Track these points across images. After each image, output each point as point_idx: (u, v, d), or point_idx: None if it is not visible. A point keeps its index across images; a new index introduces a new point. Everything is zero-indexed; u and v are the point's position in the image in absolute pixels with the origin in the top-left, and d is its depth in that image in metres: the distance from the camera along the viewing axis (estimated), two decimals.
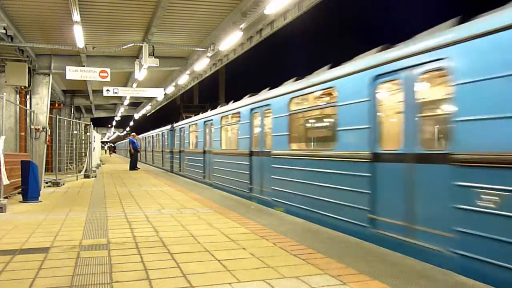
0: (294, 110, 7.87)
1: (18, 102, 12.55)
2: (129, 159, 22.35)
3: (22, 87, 12.41)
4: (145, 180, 14.27)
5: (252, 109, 9.79)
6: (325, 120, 7.96)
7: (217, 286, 3.38)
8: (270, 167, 8.55)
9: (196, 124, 15.78)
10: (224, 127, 12.46)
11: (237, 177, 10.62)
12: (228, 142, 12.64)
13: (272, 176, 8.44)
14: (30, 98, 12.84)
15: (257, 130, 9.78)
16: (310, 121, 8.37)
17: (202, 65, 12.95)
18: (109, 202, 8.58)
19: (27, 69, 12.07)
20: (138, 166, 21.30)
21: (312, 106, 7.60)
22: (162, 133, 24.30)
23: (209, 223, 6.15)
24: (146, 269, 3.84)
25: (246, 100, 10.46)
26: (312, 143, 8.28)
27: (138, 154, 23.25)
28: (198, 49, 12.24)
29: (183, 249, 4.61)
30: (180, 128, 18.98)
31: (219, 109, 13.05)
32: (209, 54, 11.75)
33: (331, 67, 6.97)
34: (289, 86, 8.10)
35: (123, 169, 21.63)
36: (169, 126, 21.60)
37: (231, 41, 10.24)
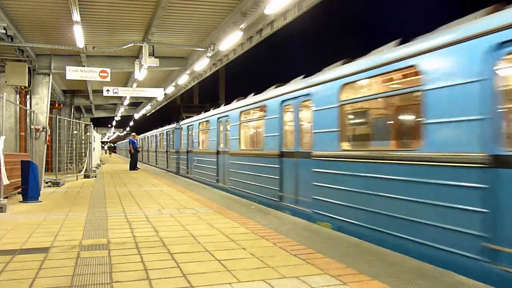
0: (348, 100, 6.22)
1: (18, 102, 12.56)
2: (129, 159, 22.33)
3: (22, 87, 12.42)
4: (145, 180, 14.27)
5: (283, 101, 8.24)
6: (400, 110, 6.23)
7: (217, 286, 3.38)
8: (310, 172, 7.00)
9: (207, 121, 14.10)
10: (244, 123, 10.86)
11: (263, 182, 9.02)
12: (249, 141, 11.19)
13: (314, 183, 6.89)
14: (30, 98, 12.85)
15: (289, 126, 8.24)
16: (374, 112, 6.60)
17: (202, 65, 12.96)
18: (109, 202, 8.58)
19: (27, 69, 12.08)
20: (138, 166, 21.29)
21: (379, 93, 5.85)
22: (167, 132, 22.74)
23: (209, 223, 6.15)
24: (146, 269, 3.84)
25: (274, 91, 8.88)
26: (377, 142, 6.58)
27: (138, 154, 23.25)
28: (198, 49, 12.24)
29: (183, 249, 4.61)
30: (187, 126, 17.30)
31: (237, 103, 11.38)
32: (209, 54, 11.76)
33: (401, 43, 5.43)
34: (339, 70, 6.49)
35: (123, 169, 21.63)
36: (175, 124, 20.32)
37: (231, 41, 10.25)
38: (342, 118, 6.31)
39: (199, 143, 15.54)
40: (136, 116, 34.93)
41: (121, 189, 11.15)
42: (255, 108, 9.90)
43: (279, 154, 8.33)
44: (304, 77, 7.92)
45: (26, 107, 12.59)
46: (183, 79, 15.78)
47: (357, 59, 6.24)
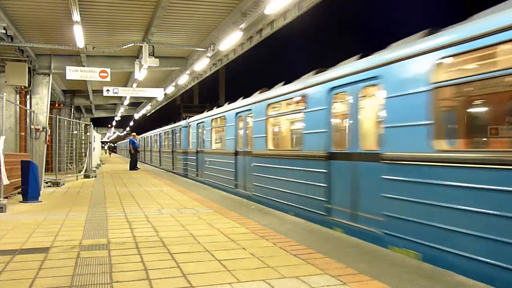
0: (450, 80, 4.49)
1: (18, 102, 12.56)
2: (129, 159, 22.32)
3: (22, 87, 12.42)
4: (145, 180, 14.27)
5: (332, 89, 6.53)
6: None
7: (217, 286, 3.38)
8: (378, 180, 5.32)
9: (222, 117, 12.42)
10: (272, 119, 9.20)
11: (301, 190, 7.35)
12: (280, 139, 9.65)
13: (384, 195, 5.20)
14: (30, 98, 12.85)
15: (342, 120, 6.76)
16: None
17: (202, 65, 12.96)
18: (109, 202, 8.58)
19: (27, 69, 12.09)
20: (138, 166, 21.30)
21: None
22: (172, 130, 20.89)
23: (209, 223, 6.15)
24: (146, 269, 3.84)
25: (317, 77, 7.17)
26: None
27: (138, 154, 23.24)
28: (198, 49, 12.25)
29: (183, 249, 4.61)
30: (197, 124, 15.49)
31: (261, 95, 9.67)
32: (209, 54, 11.77)
33: None
34: (432, 39, 4.68)
35: (123, 169, 21.63)
36: (182, 122, 18.71)
37: (231, 41, 10.25)
38: (437, 106, 4.57)
39: (212, 142, 13.68)
40: (136, 116, 34.94)
41: (121, 189, 11.15)
42: (289, 99, 8.17)
43: (326, 155, 6.60)
44: (361, 57, 6.22)
45: (26, 107, 12.59)
46: (183, 79, 15.79)
47: (450, 27, 4.60)
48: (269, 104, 8.97)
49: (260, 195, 9.17)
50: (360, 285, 3.42)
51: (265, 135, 9.06)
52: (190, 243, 4.88)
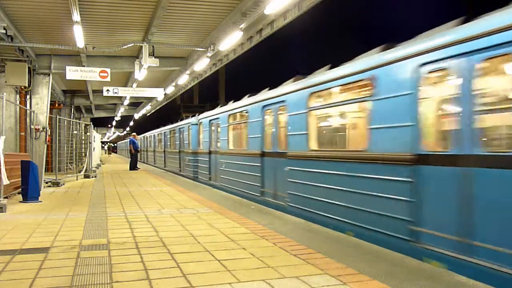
0: None
1: (18, 102, 12.56)
2: (129, 159, 22.31)
3: (22, 87, 12.42)
4: (145, 180, 14.27)
5: (421, 65, 4.75)
6: None
7: (217, 286, 3.38)
8: None
9: (244, 112, 10.64)
10: (317, 111, 7.38)
11: (367, 204, 5.63)
12: (329, 137, 8.04)
13: None
14: (30, 98, 12.85)
15: (436, 110, 5.01)
16: None
17: (202, 65, 12.97)
18: (109, 202, 8.58)
19: (27, 69, 12.09)
20: (138, 166, 21.30)
21: None
22: (179, 129, 19.06)
23: (209, 223, 6.15)
24: (146, 269, 3.84)
25: (389, 54, 5.46)
26: None
27: (139, 155, 23.23)
28: (198, 49, 12.25)
29: (183, 249, 4.61)
30: (210, 121, 13.74)
31: (299, 83, 7.83)
32: (209, 54, 11.77)
33: None
34: None
35: (123, 169, 21.63)
36: (191, 119, 16.87)
37: (231, 41, 10.25)
38: None
39: (229, 142, 11.87)
40: (136, 116, 34.94)
41: (121, 189, 11.15)
42: (345, 84, 6.36)
43: (412, 158, 4.85)
44: (464, 22, 4.55)
45: (26, 107, 12.59)
46: (183, 79, 15.80)
47: None
48: (312, 93, 7.18)
49: (299, 206, 7.50)
50: (360, 285, 3.42)
51: (306, 132, 7.32)
52: (190, 243, 4.88)
